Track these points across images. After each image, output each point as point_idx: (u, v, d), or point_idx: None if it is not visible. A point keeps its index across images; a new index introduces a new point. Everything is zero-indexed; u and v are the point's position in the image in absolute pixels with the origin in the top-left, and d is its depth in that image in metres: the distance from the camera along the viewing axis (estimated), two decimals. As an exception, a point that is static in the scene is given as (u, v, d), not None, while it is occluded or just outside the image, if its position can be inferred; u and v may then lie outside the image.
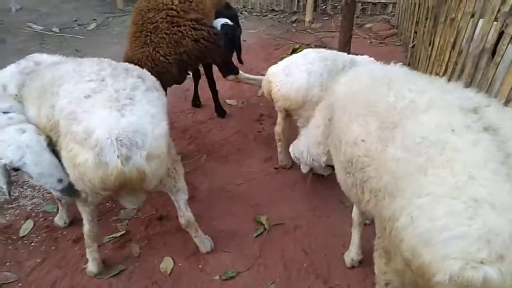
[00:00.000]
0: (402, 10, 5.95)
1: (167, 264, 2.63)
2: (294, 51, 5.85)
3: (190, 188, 3.26)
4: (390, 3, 7.01)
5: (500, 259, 1.13)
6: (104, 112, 1.92)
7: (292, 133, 3.26)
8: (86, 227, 2.36)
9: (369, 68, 2.27)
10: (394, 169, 1.48)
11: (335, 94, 2.14)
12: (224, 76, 3.84)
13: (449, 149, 1.35)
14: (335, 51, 3.28)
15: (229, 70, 3.73)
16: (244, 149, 3.77)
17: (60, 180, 2.04)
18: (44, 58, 2.46)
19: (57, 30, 6.70)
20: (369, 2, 7.07)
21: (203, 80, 4.16)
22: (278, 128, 3.25)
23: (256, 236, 2.82)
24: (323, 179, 3.24)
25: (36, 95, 2.15)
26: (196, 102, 4.43)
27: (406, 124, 1.55)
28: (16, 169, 2.01)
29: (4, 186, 2.08)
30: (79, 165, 1.89)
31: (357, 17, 6.85)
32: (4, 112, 2.16)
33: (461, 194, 1.24)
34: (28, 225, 2.93)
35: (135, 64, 2.65)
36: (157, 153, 2.01)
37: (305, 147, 2.75)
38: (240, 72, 3.83)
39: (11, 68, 2.36)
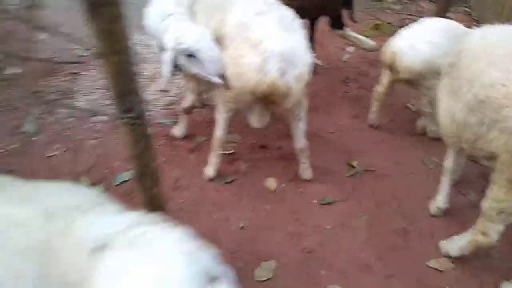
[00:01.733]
0: (484, 2, 5.93)
1: (271, 182, 2.99)
2: (377, 27, 6.03)
3: (286, 130, 3.61)
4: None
5: None
6: (273, 29, 2.23)
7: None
8: (218, 133, 2.72)
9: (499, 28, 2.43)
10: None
11: (465, 46, 2.32)
12: (333, 28, 4.08)
13: None
14: (449, 20, 3.43)
15: (339, 24, 3.98)
16: (333, 104, 4.05)
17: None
18: None
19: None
20: (453, -7, 7.03)
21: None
22: (380, 89, 3.49)
23: (348, 176, 3.13)
24: (406, 142, 3.53)
25: (207, 10, 2.48)
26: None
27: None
28: (189, 55, 2.26)
29: (168, 75, 2.36)
30: (242, 64, 2.22)
31: (440, 5, 6.86)
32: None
33: None
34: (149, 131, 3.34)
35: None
36: (304, 77, 2.33)
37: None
38: (347, 28, 4.07)
39: None
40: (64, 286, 0.94)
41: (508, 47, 2.10)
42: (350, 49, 5.06)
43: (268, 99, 2.33)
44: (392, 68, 3.16)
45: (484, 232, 2.20)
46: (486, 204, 2.12)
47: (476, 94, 2.09)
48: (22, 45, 4.12)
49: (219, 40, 2.37)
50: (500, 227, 2.11)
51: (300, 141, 2.79)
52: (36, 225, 1.01)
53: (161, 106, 3.67)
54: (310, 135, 3.55)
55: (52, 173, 2.86)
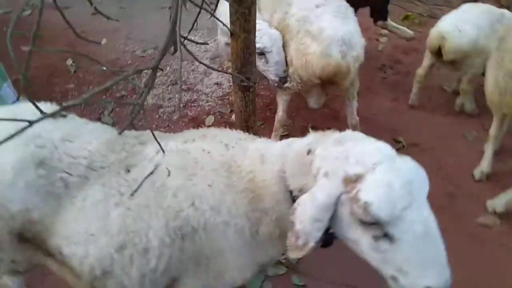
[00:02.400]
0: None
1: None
2: (406, 18, 6.30)
3: (332, 112, 3.94)
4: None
5: None
6: (332, 18, 2.59)
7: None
8: (280, 114, 3.09)
9: None
10: None
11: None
12: (375, 21, 4.40)
13: None
14: (488, 5, 3.71)
15: (382, 15, 4.30)
16: (373, 89, 4.35)
17: (284, 70, 2.74)
18: None
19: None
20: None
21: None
22: (421, 72, 3.79)
23: (395, 150, 3.43)
24: (446, 119, 3.80)
25: (271, 5, 2.86)
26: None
27: None
28: (260, 54, 2.68)
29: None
30: (308, 54, 2.58)
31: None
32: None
33: None
34: (210, 119, 3.75)
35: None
36: (360, 58, 2.67)
37: None
38: (389, 19, 4.39)
39: None
40: (245, 192, 1.33)
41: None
42: (383, 39, 5.34)
43: (331, 81, 2.68)
44: (437, 51, 3.46)
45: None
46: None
47: None
48: (88, 48, 4.62)
49: (281, 32, 2.75)
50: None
51: (354, 118, 3.12)
52: (219, 151, 1.40)
53: (217, 97, 4.07)
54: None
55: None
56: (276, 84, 2.83)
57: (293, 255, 1.16)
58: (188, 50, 1.27)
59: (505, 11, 3.50)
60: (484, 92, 2.93)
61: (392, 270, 1.10)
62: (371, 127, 3.71)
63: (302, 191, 1.23)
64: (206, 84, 4.26)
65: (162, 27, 5.18)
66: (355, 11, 4.42)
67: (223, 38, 3.23)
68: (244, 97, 1.81)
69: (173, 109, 3.88)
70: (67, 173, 1.34)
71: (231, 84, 4.24)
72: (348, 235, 1.16)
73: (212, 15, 1.34)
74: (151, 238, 1.32)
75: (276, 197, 1.30)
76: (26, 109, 1.43)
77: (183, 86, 4.17)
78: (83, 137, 1.43)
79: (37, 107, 1.37)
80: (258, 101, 3.95)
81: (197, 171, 1.36)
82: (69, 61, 4.40)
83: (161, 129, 3.63)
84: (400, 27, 4.54)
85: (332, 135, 1.25)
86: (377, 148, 1.17)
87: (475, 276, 2.43)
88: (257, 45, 2.63)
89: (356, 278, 2.38)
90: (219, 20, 1.40)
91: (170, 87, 4.21)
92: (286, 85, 2.84)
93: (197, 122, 3.73)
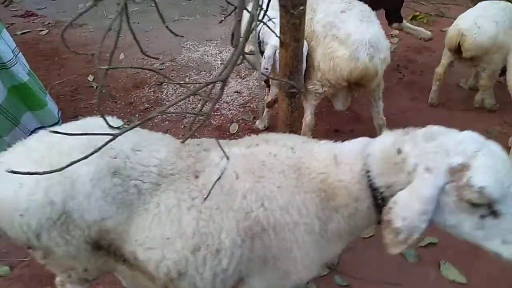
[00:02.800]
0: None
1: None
2: (414, 18, 6.37)
3: (354, 114, 3.99)
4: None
5: None
6: (357, 23, 2.65)
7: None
8: (309, 118, 3.14)
9: None
10: None
11: None
12: (390, 23, 4.46)
13: None
14: (505, 2, 3.76)
15: (396, 17, 4.36)
16: (391, 89, 4.40)
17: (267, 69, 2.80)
18: None
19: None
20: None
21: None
22: (440, 70, 3.85)
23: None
24: (467, 116, 3.84)
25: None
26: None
27: None
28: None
29: (269, 67, 2.84)
30: (336, 58, 2.64)
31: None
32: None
33: None
34: (234, 127, 3.81)
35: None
36: (387, 60, 2.73)
37: None
38: (404, 21, 4.45)
39: None
40: (316, 192, 1.39)
41: None
42: (395, 40, 5.41)
43: (358, 83, 2.74)
44: (456, 48, 3.51)
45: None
46: None
47: None
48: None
49: (306, 39, 2.81)
50: None
51: (381, 118, 3.17)
52: (285, 154, 1.47)
53: (238, 105, 4.14)
54: (372, 117, 3.94)
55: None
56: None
57: (395, 250, 1.25)
58: (248, 61, 1.33)
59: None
60: (503, 87, 2.98)
61: (496, 243, 1.21)
62: (393, 127, 3.73)
63: (390, 188, 1.29)
64: (226, 93, 4.33)
65: (177, 39, 5.29)
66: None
67: (249, 46, 3.30)
68: (290, 103, 1.87)
69: (198, 119, 3.94)
70: (140, 180, 1.41)
71: (251, 91, 4.36)
72: (449, 222, 1.24)
73: (265, 24, 1.40)
74: (223, 239, 1.38)
75: (355, 195, 1.36)
76: (94, 123, 1.50)
77: (205, 96, 4.23)
78: (151, 147, 1.50)
79: (107, 122, 1.44)
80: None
81: (265, 173, 1.43)
82: (90, 77, 4.49)
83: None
84: (416, 27, 4.61)
85: (416, 132, 1.31)
86: (472, 137, 1.25)
87: None
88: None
89: (398, 276, 2.42)
90: (273, 31, 1.45)
91: (191, 97, 4.27)
92: (315, 89, 2.91)
93: (222, 130, 3.79)
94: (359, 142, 1.44)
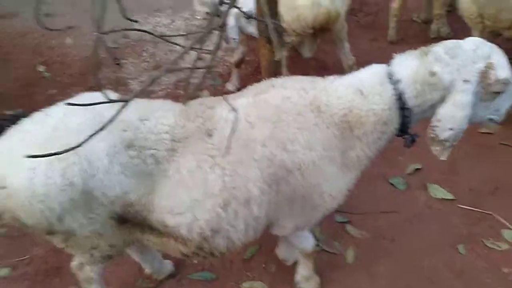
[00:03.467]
0: None
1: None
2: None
3: (319, 63, 4.03)
4: None
5: None
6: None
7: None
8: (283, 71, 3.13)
9: None
10: None
11: None
12: None
13: None
14: None
15: None
16: (350, 34, 4.37)
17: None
18: None
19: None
20: None
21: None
22: (395, 5, 3.93)
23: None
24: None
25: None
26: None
27: None
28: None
29: (236, 36, 2.82)
30: (299, 7, 2.64)
31: None
32: None
33: None
34: (205, 94, 3.73)
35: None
36: (348, 2, 2.77)
37: None
38: None
39: None
40: (338, 125, 1.48)
41: None
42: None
43: (323, 28, 2.76)
44: None
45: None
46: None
47: None
48: (57, 52, 4.40)
49: None
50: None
51: (350, 58, 3.24)
52: (299, 95, 1.49)
53: (203, 72, 4.04)
54: (337, 63, 4.00)
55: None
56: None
57: (445, 156, 1.48)
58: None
59: None
60: (454, 16, 3.08)
61: (492, 114, 1.53)
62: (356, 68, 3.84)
63: (420, 107, 1.46)
64: (188, 62, 4.21)
65: (118, 12, 5.00)
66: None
67: (202, 8, 3.21)
68: (271, 48, 1.86)
69: (164, 92, 3.83)
70: (155, 149, 1.38)
71: (214, 56, 4.26)
72: (473, 115, 1.45)
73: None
74: (250, 189, 1.41)
75: (384, 120, 1.46)
76: (91, 98, 1.42)
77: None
78: (157, 114, 1.45)
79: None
80: (247, 67, 3.97)
81: (283, 117, 1.45)
82: (41, 68, 4.19)
83: (160, 114, 3.59)
84: None
85: (436, 51, 1.45)
86: (477, 41, 1.45)
87: (486, 168, 2.75)
88: (244, 10, 2.67)
89: (392, 205, 2.56)
90: None
91: (153, 71, 4.12)
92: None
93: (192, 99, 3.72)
94: (376, 72, 1.50)
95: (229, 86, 3.71)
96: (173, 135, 1.42)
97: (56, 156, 1.06)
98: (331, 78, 1.57)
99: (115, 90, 3.88)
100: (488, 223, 2.41)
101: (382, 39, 4.25)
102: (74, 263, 1.72)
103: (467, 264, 2.21)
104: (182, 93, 3.79)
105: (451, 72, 1.38)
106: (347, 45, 3.22)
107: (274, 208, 1.49)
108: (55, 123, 1.35)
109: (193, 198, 1.40)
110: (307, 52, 3.11)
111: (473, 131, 3.05)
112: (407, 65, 1.46)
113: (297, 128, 1.44)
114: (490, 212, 2.46)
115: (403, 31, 4.31)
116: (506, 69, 1.41)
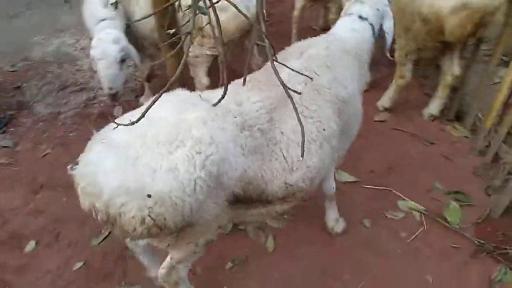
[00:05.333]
0: None
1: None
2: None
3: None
4: None
5: None
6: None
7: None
8: (204, 80, 3.15)
9: None
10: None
11: None
12: None
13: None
14: None
15: None
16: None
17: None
18: None
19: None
20: None
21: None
22: (296, 13, 4.29)
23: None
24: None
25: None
26: None
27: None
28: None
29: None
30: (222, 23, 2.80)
31: None
32: None
33: None
34: (118, 110, 3.67)
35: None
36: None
37: None
38: None
39: None
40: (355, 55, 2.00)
41: None
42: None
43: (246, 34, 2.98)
44: None
45: (401, 76, 3.13)
46: (396, 54, 3.03)
47: None
48: None
49: None
50: (410, 66, 3.05)
51: (259, 59, 3.45)
52: (331, 45, 1.90)
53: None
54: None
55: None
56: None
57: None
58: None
59: None
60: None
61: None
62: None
63: (376, 29, 2.08)
64: (97, 80, 4.11)
65: (25, 35, 4.72)
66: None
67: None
68: (176, 55, 1.93)
69: (73, 112, 3.69)
70: (259, 124, 1.60)
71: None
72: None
73: None
74: (332, 126, 1.76)
75: (370, 41, 2.06)
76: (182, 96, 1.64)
77: (76, 87, 3.97)
78: (242, 96, 1.65)
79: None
80: (159, 80, 4.00)
81: (334, 62, 1.84)
82: None
83: (71, 133, 3.46)
84: None
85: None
86: None
87: (382, 151, 3.11)
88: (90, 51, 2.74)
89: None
90: None
91: (60, 92, 3.95)
92: (206, 53, 3.02)
93: (105, 117, 3.63)
94: (354, 19, 2.04)
95: (142, 99, 3.70)
96: (266, 108, 1.64)
97: (194, 148, 1.36)
98: (330, 33, 2.04)
99: (17, 115, 3.67)
100: (387, 198, 2.73)
101: (286, 45, 4.57)
102: (162, 270, 1.75)
103: (372, 235, 2.48)
104: (93, 112, 3.69)
105: (380, 4, 2.08)
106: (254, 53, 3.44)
107: (340, 138, 1.85)
108: (176, 120, 1.45)
109: (307, 151, 1.66)
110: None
111: (370, 120, 3.43)
112: (363, 9, 2.05)
113: (344, 68, 1.85)
114: (390, 188, 2.78)
115: (304, 37, 4.66)
116: None
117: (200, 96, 1.59)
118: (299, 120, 1.34)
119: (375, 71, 3.81)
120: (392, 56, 2.71)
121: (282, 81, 1.32)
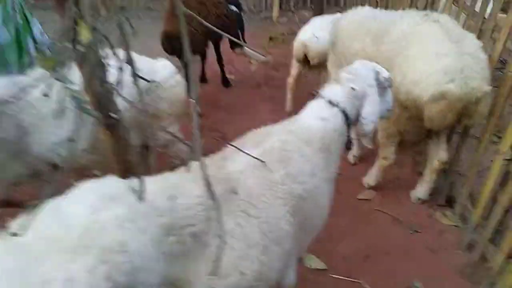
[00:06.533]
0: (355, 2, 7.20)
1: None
2: (271, 39, 6.98)
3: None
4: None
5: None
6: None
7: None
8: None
9: None
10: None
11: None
12: (233, 49, 4.79)
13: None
14: (332, 15, 4.31)
15: (237, 44, 4.71)
16: (253, 106, 4.73)
17: None
18: None
19: None
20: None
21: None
22: (291, 80, 4.29)
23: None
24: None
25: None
26: (203, 78, 5.31)
27: None
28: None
29: None
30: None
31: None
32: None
33: None
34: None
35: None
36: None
37: None
38: (245, 47, 4.83)
39: None
40: (321, 149, 1.78)
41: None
42: (254, 61, 5.83)
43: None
44: (304, 58, 3.94)
45: (384, 157, 2.96)
46: (379, 135, 2.88)
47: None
48: None
49: None
50: (393, 148, 2.89)
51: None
52: (291, 137, 1.73)
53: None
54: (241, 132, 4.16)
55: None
56: None
57: (371, 145, 2.22)
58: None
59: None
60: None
61: (388, 106, 1.97)
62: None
63: (353, 114, 1.84)
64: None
65: None
66: (217, 44, 4.87)
67: None
68: (114, 135, 1.83)
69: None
70: (192, 225, 1.38)
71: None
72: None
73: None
74: (283, 226, 1.57)
75: (342, 130, 1.83)
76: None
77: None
78: (182, 188, 1.44)
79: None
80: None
81: (290, 155, 1.68)
82: None
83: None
84: (254, 53, 5.09)
85: (342, 77, 1.87)
86: (363, 61, 1.96)
87: (360, 235, 2.85)
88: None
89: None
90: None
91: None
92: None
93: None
94: (322, 105, 1.84)
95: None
96: (205, 204, 1.40)
97: (98, 258, 1.15)
98: (292, 119, 1.88)
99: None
100: (356, 291, 2.46)
101: (282, 111, 4.53)
102: None
103: None
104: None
105: (360, 83, 1.83)
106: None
107: (295, 238, 1.66)
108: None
109: (238, 256, 1.45)
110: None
111: (353, 197, 3.24)
112: (334, 91, 1.85)
113: (302, 162, 1.69)
114: (359, 281, 2.52)
115: (301, 104, 4.57)
116: (386, 71, 1.92)
117: (130, 186, 1.31)
118: (220, 236, 1.26)
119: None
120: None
121: (209, 182, 1.19)
